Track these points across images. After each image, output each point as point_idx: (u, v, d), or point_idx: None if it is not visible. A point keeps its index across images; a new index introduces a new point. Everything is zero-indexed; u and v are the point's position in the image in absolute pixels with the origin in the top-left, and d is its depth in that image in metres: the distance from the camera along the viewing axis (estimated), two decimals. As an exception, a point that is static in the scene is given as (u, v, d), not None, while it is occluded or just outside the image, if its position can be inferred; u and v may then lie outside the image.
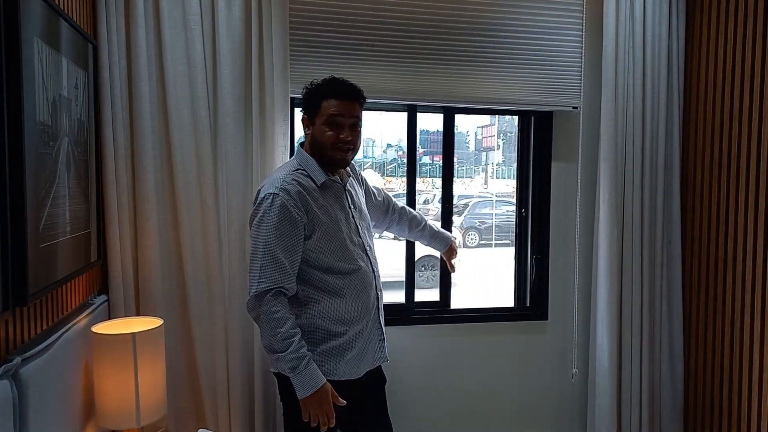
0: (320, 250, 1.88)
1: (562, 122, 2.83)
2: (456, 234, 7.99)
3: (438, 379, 2.76)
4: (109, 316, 2.16)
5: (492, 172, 9.98)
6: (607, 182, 2.68)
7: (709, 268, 2.72)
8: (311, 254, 1.87)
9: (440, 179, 2.80)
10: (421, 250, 2.51)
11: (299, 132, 2.03)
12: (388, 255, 2.47)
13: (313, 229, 1.86)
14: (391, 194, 2.40)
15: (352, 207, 2.00)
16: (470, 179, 10.07)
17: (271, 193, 1.83)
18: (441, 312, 2.81)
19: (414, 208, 2.71)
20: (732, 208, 2.58)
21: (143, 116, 2.19)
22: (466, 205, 8.91)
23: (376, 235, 2.31)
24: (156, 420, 1.90)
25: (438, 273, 2.84)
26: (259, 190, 1.90)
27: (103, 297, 2.16)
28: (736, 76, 2.55)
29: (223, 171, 2.30)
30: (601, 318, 2.73)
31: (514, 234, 3.01)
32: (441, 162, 2.80)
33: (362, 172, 2.29)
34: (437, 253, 2.52)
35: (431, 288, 2.82)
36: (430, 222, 2.40)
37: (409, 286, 2.75)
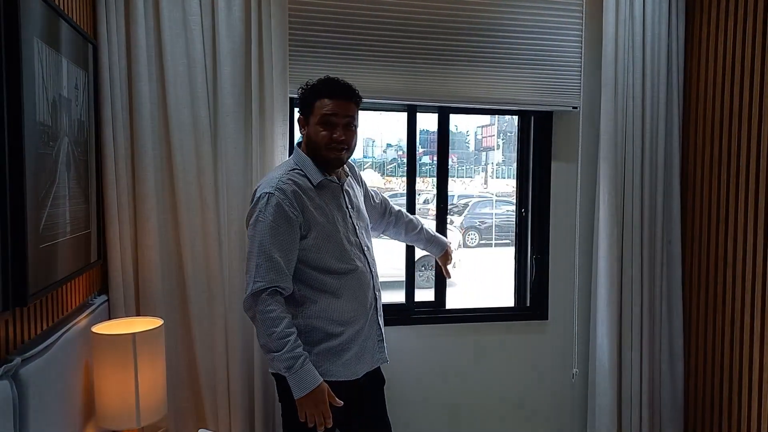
0: (317, 249, 1.88)
1: (562, 122, 2.83)
2: (456, 234, 8.02)
3: (438, 379, 2.76)
4: (109, 316, 2.16)
5: (492, 172, 9.98)
6: (607, 182, 2.68)
7: (709, 267, 2.72)
8: (308, 254, 1.87)
9: (433, 179, 2.79)
10: (421, 250, 2.51)
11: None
12: (388, 255, 2.48)
13: (309, 228, 1.86)
14: (391, 194, 2.40)
15: (349, 207, 2.00)
16: (470, 179, 10.07)
17: (266, 193, 1.84)
18: (441, 312, 2.81)
19: (414, 208, 2.72)
20: (732, 208, 2.58)
21: (143, 116, 2.19)
22: (466, 205, 8.91)
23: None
24: (156, 420, 1.90)
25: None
26: (256, 190, 1.90)
27: (103, 297, 2.16)
28: (735, 75, 2.55)
29: (223, 171, 2.30)
30: (601, 318, 2.73)
31: (514, 234, 3.01)
32: (433, 161, 2.79)
33: (361, 173, 2.29)
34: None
35: (431, 288, 2.82)
36: (427, 226, 2.40)
37: (409, 286, 2.74)
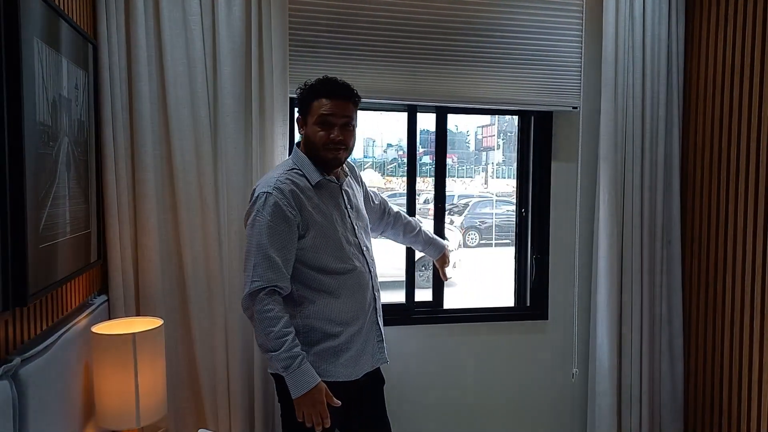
0: (315, 249, 1.88)
1: (562, 122, 2.83)
2: (456, 234, 8.02)
3: (438, 379, 2.76)
4: (109, 316, 2.16)
5: (492, 172, 9.99)
6: (607, 182, 2.68)
7: (708, 267, 2.72)
8: (306, 253, 1.87)
9: (433, 179, 2.79)
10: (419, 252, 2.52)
11: (298, 132, 2.03)
12: (388, 255, 2.48)
13: (307, 228, 1.86)
14: (391, 194, 2.41)
15: (348, 207, 2.00)
16: (470, 179, 10.07)
17: (264, 192, 1.84)
18: (441, 312, 2.81)
19: (414, 208, 2.72)
20: (732, 208, 2.58)
21: (143, 116, 2.19)
22: (466, 205, 8.92)
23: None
24: (156, 420, 1.90)
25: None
26: (254, 190, 1.90)
27: (103, 297, 2.16)
28: (735, 75, 2.55)
29: (223, 171, 2.30)
30: (601, 317, 2.73)
31: (514, 234, 3.01)
32: (434, 161, 2.79)
33: (361, 173, 2.29)
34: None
35: (431, 288, 2.82)
36: (425, 228, 2.40)
37: (409, 286, 2.74)
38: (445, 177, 2.79)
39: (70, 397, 1.73)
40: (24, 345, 1.48)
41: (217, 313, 2.29)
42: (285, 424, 1.96)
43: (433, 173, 2.84)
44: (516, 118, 2.97)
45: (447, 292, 2.85)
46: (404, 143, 2.78)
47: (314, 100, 1.90)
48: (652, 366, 2.80)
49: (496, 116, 7.83)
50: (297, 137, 2.41)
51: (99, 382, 1.83)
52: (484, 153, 10.15)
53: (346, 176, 2.05)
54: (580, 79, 2.71)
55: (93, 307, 2.01)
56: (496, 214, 8.76)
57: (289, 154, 2.36)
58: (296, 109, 2.12)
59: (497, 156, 9.82)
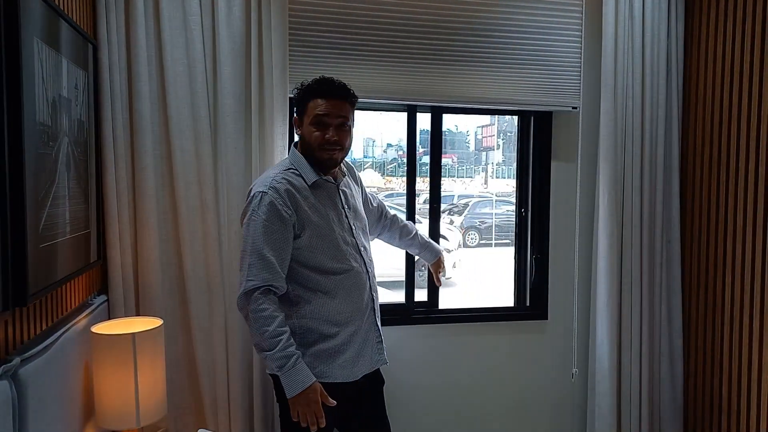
0: (311, 249, 1.88)
1: (562, 122, 2.83)
2: (456, 234, 8.02)
3: (438, 379, 2.76)
4: (109, 317, 2.16)
5: (492, 172, 9.98)
6: (607, 182, 2.68)
7: (708, 267, 2.73)
8: (302, 253, 1.87)
9: (429, 179, 2.78)
10: (415, 255, 2.52)
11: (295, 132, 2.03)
12: (388, 254, 2.48)
13: (303, 227, 1.86)
14: (391, 194, 2.41)
15: (345, 207, 2.00)
16: (470, 179, 10.06)
17: (260, 192, 1.84)
18: (441, 312, 2.81)
19: (414, 208, 2.72)
20: (731, 208, 2.58)
21: (143, 116, 2.19)
22: (466, 205, 8.91)
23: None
24: (156, 420, 1.90)
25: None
26: (251, 189, 1.91)
27: (103, 297, 2.16)
28: (735, 75, 2.55)
29: (223, 171, 2.30)
30: (600, 317, 2.73)
31: (513, 234, 3.01)
32: (429, 161, 2.78)
33: (362, 173, 2.29)
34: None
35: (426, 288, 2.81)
36: (421, 232, 2.40)
37: (409, 286, 2.74)
38: (440, 177, 2.78)
39: (70, 397, 1.73)
40: (24, 345, 1.48)
41: (216, 313, 2.29)
42: (284, 424, 1.96)
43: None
44: (516, 118, 2.97)
45: (447, 292, 2.86)
46: (404, 143, 2.78)
47: (310, 100, 1.90)
48: (651, 366, 2.80)
49: (496, 116, 7.82)
50: (297, 137, 2.42)
51: (99, 382, 1.83)
52: (484, 153, 10.15)
53: (344, 176, 2.05)
54: (580, 79, 2.71)
55: (93, 307, 2.01)
56: (495, 214, 8.76)
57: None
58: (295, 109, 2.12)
59: (497, 156, 9.82)
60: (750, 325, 2.49)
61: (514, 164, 3.00)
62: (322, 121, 1.88)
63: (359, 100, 2.04)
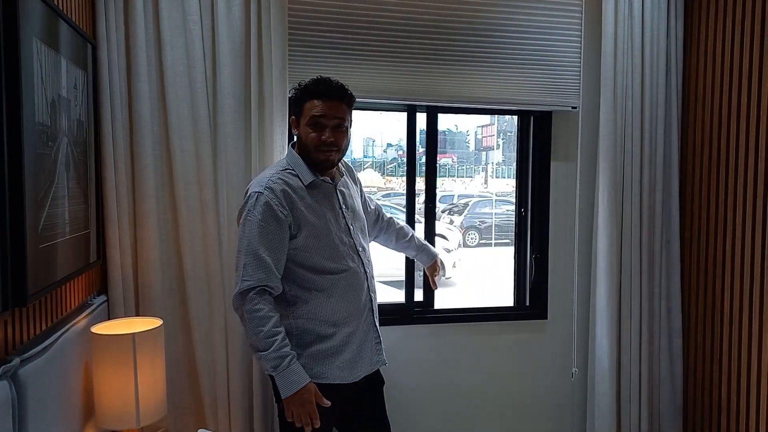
0: (307, 249, 1.88)
1: (562, 122, 2.83)
2: (456, 233, 8.02)
3: (437, 378, 2.76)
4: (109, 317, 2.16)
5: (492, 172, 9.98)
6: (607, 182, 2.68)
7: (707, 267, 2.73)
8: (298, 253, 1.87)
9: (425, 178, 2.78)
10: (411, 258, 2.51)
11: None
12: (388, 254, 2.47)
13: (299, 228, 1.86)
14: (391, 194, 2.41)
15: (343, 207, 1.99)
16: (470, 179, 10.06)
17: (256, 192, 1.84)
18: (441, 312, 2.81)
19: (414, 208, 2.72)
20: (730, 208, 2.58)
21: (143, 116, 2.19)
22: (466, 205, 8.92)
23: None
24: (156, 420, 1.90)
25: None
26: (247, 189, 1.91)
27: (103, 297, 2.16)
28: (734, 75, 2.55)
29: (223, 171, 2.30)
30: (600, 317, 2.73)
31: (513, 233, 3.01)
32: (424, 161, 2.78)
33: (361, 173, 2.29)
34: (438, 252, 2.51)
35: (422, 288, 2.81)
36: (417, 235, 2.40)
37: (409, 285, 2.74)
38: (436, 177, 2.77)
39: (70, 398, 1.73)
40: (23, 345, 1.48)
41: (216, 313, 2.29)
42: (282, 424, 1.96)
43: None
44: (515, 117, 2.97)
45: (447, 291, 2.86)
46: (404, 143, 2.77)
47: (307, 101, 1.89)
48: (651, 365, 2.80)
49: (496, 116, 7.82)
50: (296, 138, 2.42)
51: (99, 382, 1.83)
52: (484, 153, 10.15)
53: (342, 176, 2.04)
54: (580, 79, 2.71)
55: (92, 307, 2.01)
56: (495, 213, 8.76)
57: (288, 154, 2.36)
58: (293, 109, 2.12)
59: (497, 156, 9.82)
60: (749, 324, 2.49)
61: (514, 164, 3.00)
62: (318, 122, 1.88)
63: (359, 100, 2.03)
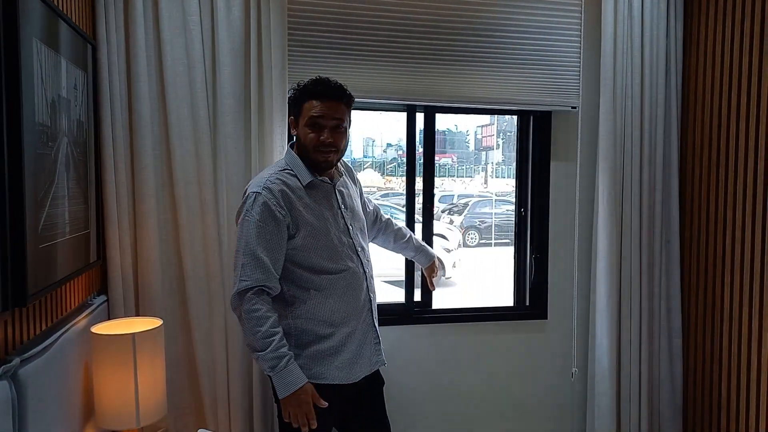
0: (305, 249, 1.87)
1: (561, 122, 2.83)
2: (456, 234, 8.03)
3: (437, 378, 2.76)
4: (109, 317, 2.16)
5: (492, 172, 9.99)
6: (606, 181, 2.68)
7: (707, 267, 2.73)
8: (297, 253, 1.87)
9: (435, 178, 2.77)
10: (410, 258, 2.50)
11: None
12: (390, 254, 2.47)
13: (298, 228, 1.86)
14: (391, 193, 2.41)
15: (342, 207, 1.98)
16: (470, 178, 10.07)
17: (254, 192, 1.84)
18: (440, 312, 2.81)
19: (414, 208, 2.72)
20: (730, 207, 2.58)
21: (142, 116, 2.20)
22: (466, 205, 8.92)
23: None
24: (156, 420, 1.90)
25: (439, 272, 2.81)
26: (246, 189, 1.91)
27: (103, 297, 2.16)
28: (733, 75, 2.55)
29: (223, 170, 2.30)
30: (600, 317, 2.73)
31: (513, 233, 3.01)
32: (422, 161, 2.77)
33: (361, 173, 2.29)
34: (438, 252, 2.52)
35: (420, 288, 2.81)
36: (415, 236, 2.40)
37: (409, 285, 2.75)
38: (433, 177, 2.77)
39: (70, 398, 1.73)
40: (23, 345, 1.48)
41: (216, 313, 2.30)
42: (282, 424, 1.96)
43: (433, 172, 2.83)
44: (515, 117, 2.97)
45: (447, 291, 2.86)
46: (404, 143, 2.77)
47: (305, 101, 1.89)
48: (651, 365, 2.81)
49: (496, 116, 7.83)
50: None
51: (98, 382, 1.83)
52: (484, 152, 10.16)
53: (341, 176, 2.04)
54: (579, 79, 2.71)
55: (92, 307, 2.01)
56: (495, 213, 8.76)
57: (288, 154, 2.36)
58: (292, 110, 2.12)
59: (497, 156, 9.83)
60: (749, 324, 2.50)
61: (514, 164, 3.00)
62: (316, 122, 1.88)
63: (359, 100, 2.03)
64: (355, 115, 2.04)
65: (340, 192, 2.01)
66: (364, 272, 2.00)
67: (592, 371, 2.79)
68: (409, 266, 2.75)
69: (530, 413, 2.89)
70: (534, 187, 2.88)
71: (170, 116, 2.22)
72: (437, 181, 2.80)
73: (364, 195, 2.28)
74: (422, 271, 2.48)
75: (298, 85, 1.93)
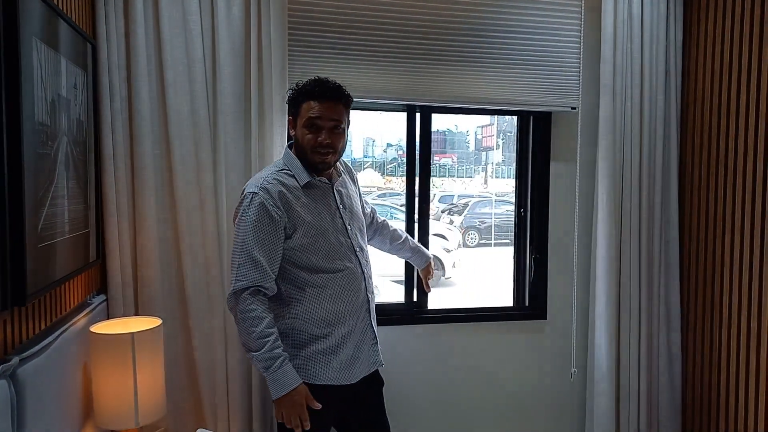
0: (303, 249, 1.87)
1: (561, 122, 2.83)
2: (456, 234, 8.03)
3: (437, 378, 2.76)
4: (108, 316, 2.16)
5: (492, 172, 9.98)
6: (606, 182, 2.68)
7: (706, 267, 2.73)
8: (294, 253, 1.87)
9: (435, 179, 2.77)
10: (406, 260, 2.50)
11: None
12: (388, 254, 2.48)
13: (295, 228, 1.86)
14: (384, 193, 2.41)
15: (340, 207, 1.98)
16: (470, 179, 10.07)
17: (251, 192, 1.84)
18: (440, 312, 2.81)
19: (413, 208, 2.72)
20: (729, 208, 2.58)
21: (142, 116, 2.20)
22: (466, 205, 8.91)
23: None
24: (155, 420, 1.90)
25: (438, 272, 2.82)
26: (243, 189, 1.91)
27: (102, 297, 2.16)
28: (733, 76, 2.55)
29: (223, 170, 2.30)
30: (599, 317, 2.73)
31: (513, 233, 3.01)
32: (418, 162, 2.76)
33: (361, 173, 2.29)
34: (438, 252, 2.52)
35: (432, 287, 2.80)
36: (411, 238, 2.41)
37: (409, 285, 2.74)
38: (429, 177, 2.76)
39: (69, 397, 1.73)
40: (22, 345, 1.48)
41: (216, 312, 2.30)
42: (281, 424, 1.96)
43: (432, 173, 2.83)
44: (515, 118, 2.97)
45: (447, 291, 2.86)
46: (404, 143, 2.77)
47: (303, 102, 1.89)
48: (650, 365, 2.81)
49: (496, 116, 7.82)
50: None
51: (98, 381, 1.83)
52: (484, 153, 10.15)
53: (340, 176, 2.03)
54: (579, 80, 2.71)
55: (92, 306, 2.01)
56: (495, 213, 8.76)
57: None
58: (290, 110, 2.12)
59: (497, 156, 9.82)
60: (748, 324, 2.50)
61: (514, 164, 3.00)
62: (314, 123, 1.87)
63: (359, 100, 2.03)
64: (355, 115, 2.04)
65: (339, 192, 2.00)
66: (363, 272, 2.00)
67: (592, 371, 2.79)
68: (409, 266, 2.74)
69: (530, 413, 2.89)
70: (534, 188, 2.88)
71: (170, 116, 2.22)
72: (438, 181, 2.80)
73: (363, 196, 2.28)
74: (418, 273, 2.47)
75: (297, 86, 1.93)
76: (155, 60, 2.22)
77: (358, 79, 2.42)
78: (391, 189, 7.90)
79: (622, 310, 2.75)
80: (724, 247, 2.62)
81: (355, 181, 2.18)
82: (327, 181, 1.96)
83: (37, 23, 1.50)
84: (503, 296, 3.06)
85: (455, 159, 9.85)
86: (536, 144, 2.86)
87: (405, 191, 2.79)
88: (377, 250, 2.38)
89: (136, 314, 2.23)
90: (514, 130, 3.00)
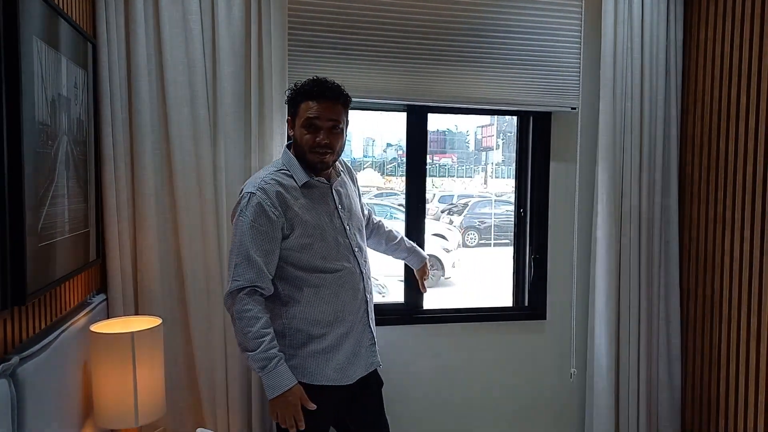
0: (300, 249, 1.87)
1: (561, 123, 2.83)
2: (455, 234, 8.03)
3: (436, 379, 2.76)
4: (108, 316, 2.16)
5: (491, 172, 9.98)
6: (606, 182, 2.69)
7: (706, 267, 2.73)
8: (292, 253, 1.87)
9: (436, 178, 2.77)
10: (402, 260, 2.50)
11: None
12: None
13: (293, 228, 1.86)
14: (381, 193, 2.40)
15: (339, 207, 1.98)
16: (470, 179, 10.06)
17: (249, 193, 1.85)
18: (440, 312, 2.81)
19: (412, 208, 2.72)
20: (729, 208, 2.58)
21: (143, 115, 2.20)
22: (465, 205, 8.91)
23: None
24: (155, 419, 1.90)
25: (438, 272, 2.82)
26: (242, 189, 1.91)
27: (102, 296, 2.16)
28: (733, 76, 2.55)
29: (223, 170, 2.30)
30: (599, 317, 2.73)
31: (512, 233, 3.01)
32: (414, 162, 2.76)
33: (361, 173, 2.29)
34: (437, 252, 2.52)
35: (432, 287, 2.80)
36: (406, 239, 2.41)
37: (409, 285, 2.74)
38: (425, 176, 2.74)
39: (69, 396, 1.73)
40: (22, 344, 1.48)
41: (215, 312, 2.30)
42: (279, 425, 1.96)
43: (432, 173, 2.83)
44: (515, 118, 2.97)
45: (446, 291, 2.86)
46: (404, 143, 2.77)
47: (302, 102, 1.88)
48: (650, 365, 2.81)
49: (496, 116, 7.82)
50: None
51: (97, 381, 1.83)
52: (484, 153, 10.14)
53: (339, 176, 2.03)
54: (579, 80, 2.71)
55: (92, 306, 2.01)
56: (495, 213, 8.75)
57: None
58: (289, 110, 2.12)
59: (497, 156, 9.81)
60: (747, 324, 2.50)
61: (514, 164, 3.00)
62: (313, 123, 1.87)
63: (358, 100, 2.03)
64: (355, 115, 2.04)
65: (338, 192, 2.00)
66: (361, 272, 1.99)
67: (591, 371, 2.79)
68: (409, 267, 2.74)
69: (529, 413, 2.89)
70: (534, 188, 2.88)
71: (170, 115, 2.22)
72: (437, 181, 2.80)
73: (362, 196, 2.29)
74: (414, 273, 2.47)
75: (295, 86, 1.92)
76: (155, 60, 2.22)
77: (358, 79, 2.42)
78: (391, 189, 7.90)
79: (622, 310, 2.75)
80: (723, 247, 2.62)
81: (354, 181, 2.18)
82: (325, 181, 1.96)
83: (38, 22, 1.50)
84: (503, 296, 3.06)
85: (455, 159, 9.84)
86: (536, 144, 2.86)
87: (405, 191, 2.79)
88: (373, 250, 2.38)
89: (136, 314, 2.23)
90: (514, 130, 3.00)
